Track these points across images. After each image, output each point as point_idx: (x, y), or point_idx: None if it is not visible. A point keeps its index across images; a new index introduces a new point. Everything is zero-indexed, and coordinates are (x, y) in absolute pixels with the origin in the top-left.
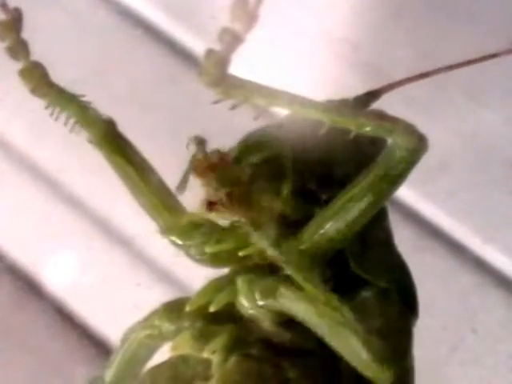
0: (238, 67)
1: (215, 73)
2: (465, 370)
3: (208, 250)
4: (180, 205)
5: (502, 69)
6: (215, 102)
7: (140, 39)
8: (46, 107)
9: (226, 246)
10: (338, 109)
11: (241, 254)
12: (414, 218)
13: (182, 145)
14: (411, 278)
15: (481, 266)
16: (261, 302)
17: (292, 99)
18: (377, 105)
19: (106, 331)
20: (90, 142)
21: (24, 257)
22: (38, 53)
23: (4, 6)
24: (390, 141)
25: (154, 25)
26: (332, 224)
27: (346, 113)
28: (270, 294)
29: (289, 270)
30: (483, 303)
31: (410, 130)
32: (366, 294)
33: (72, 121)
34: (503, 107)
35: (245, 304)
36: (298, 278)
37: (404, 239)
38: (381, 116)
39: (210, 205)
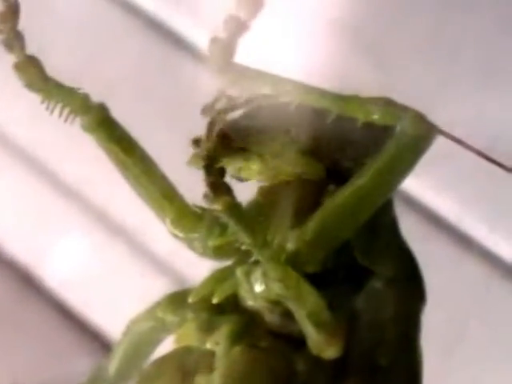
0: (239, 53)
1: (221, 60)
2: (471, 362)
3: (211, 243)
4: (180, 195)
5: (507, 56)
6: (214, 92)
7: (137, 28)
8: (42, 102)
9: (228, 239)
10: (345, 97)
11: (244, 247)
12: (419, 208)
13: (179, 135)
14: (417, 264)
15: (487, 255)
16: (257, 290)
17: (299, 87)
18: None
19: (106, 324)
20: (84, 128)
21: (23, 250)
22: (32, 41)
23: None
24: (397, 129)
25: (151, 13)
26: (338, 215)
27: (354, 100)
28: (264, 280)
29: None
30: (489, 293)
31: (419, 118)
32: (374, 284)
33: (66, 110)
34: (509, 94)
35: (245, 294)
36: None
37: (408, 229)
38: (389, 103)
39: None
